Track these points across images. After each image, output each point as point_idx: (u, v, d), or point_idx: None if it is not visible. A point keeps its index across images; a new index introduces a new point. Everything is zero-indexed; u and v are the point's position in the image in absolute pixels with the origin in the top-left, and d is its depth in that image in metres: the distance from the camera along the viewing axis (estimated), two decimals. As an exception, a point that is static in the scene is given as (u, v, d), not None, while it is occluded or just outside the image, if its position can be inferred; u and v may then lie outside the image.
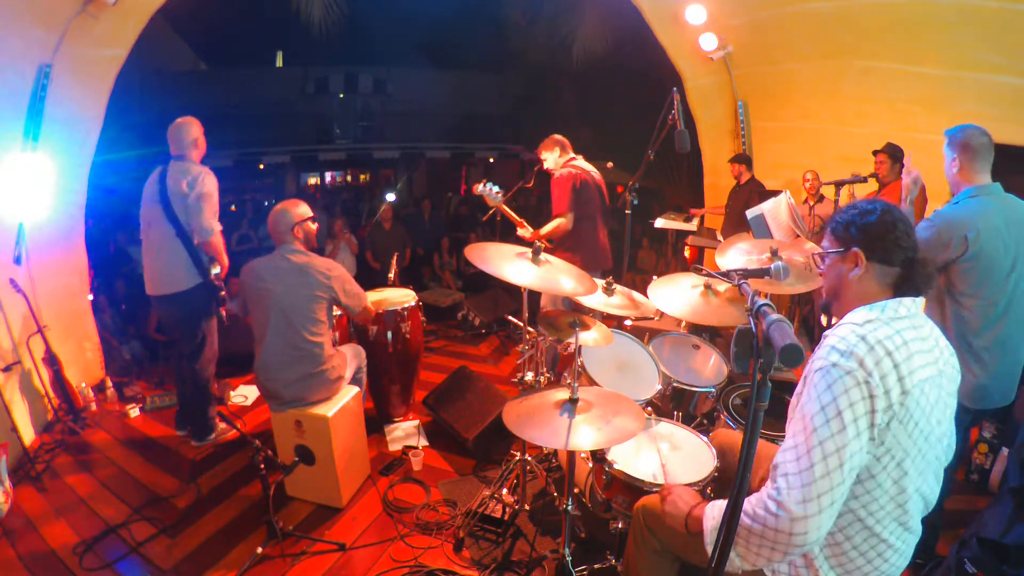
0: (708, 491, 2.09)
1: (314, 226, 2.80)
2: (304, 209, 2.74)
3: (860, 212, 1.35)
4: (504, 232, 4.78)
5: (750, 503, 1.27)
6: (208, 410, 3.31)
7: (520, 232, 3.62)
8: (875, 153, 3.83)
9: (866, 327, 1.25)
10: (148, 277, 3.09)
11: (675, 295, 2.54)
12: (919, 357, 1.25)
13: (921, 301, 1.34)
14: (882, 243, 1.31)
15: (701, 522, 1.40)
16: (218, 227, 3.04)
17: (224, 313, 3.24)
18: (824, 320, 3.91)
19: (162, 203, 2.95)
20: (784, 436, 1.29)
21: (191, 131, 3.04)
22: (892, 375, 1.20)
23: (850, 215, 1.36)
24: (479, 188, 3.31)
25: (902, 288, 1.32)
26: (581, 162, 3.66)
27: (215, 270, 3.10)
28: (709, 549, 1.34)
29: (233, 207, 10.41)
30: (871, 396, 1.18)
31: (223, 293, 3.15)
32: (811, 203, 4.62)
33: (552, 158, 3.66)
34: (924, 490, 1.30)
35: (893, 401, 1.20)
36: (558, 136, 3.70)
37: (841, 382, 1.19)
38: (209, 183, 3.00)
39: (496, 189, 3.28)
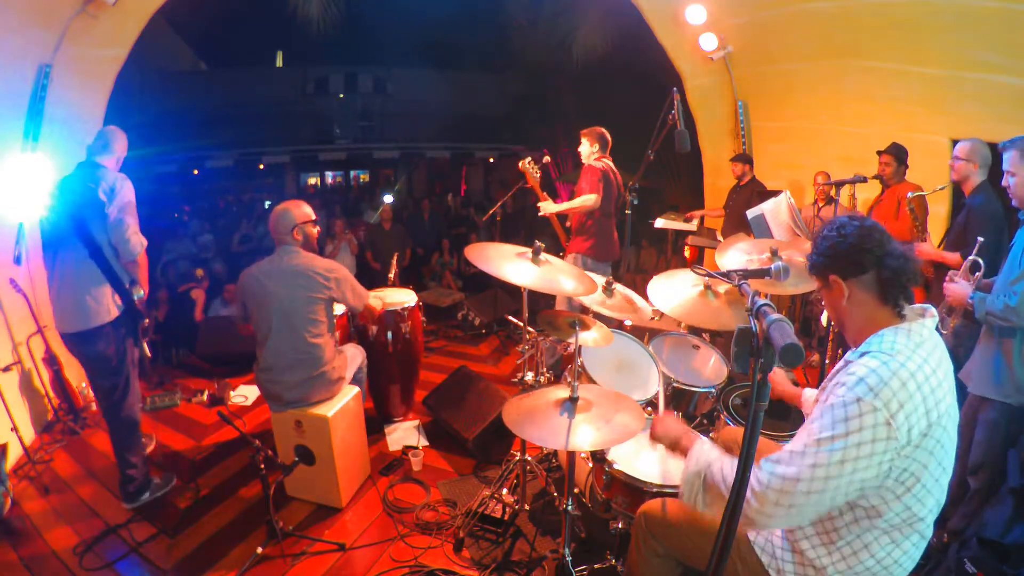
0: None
1: (315, 229, 2.76)
2: (307, 210, 2.71)
3: (819, 242, 1.38)
4: (504, 232, 4.79)
5: (731, 469, 1.32)
6: (140, 460, 2.75)
7: (541, 204, 3.87)
8: (879, 153, 3.73)
9: (898, 358, 1.23)
10: (56, 312, 2.58)
11: (674, 295, 2.53)
12: (946, 383, 1.26)
13: (934, 321, 1.33)
14: (845, 256, 1.33)
15: (686, 453, 1.48)
16: (145, 241, 2.63)
17: (146, 346, 2.81)
18: (825, 320, 3.90)
19: (72, 219, 2.47)
20: (785, 436, 1.29)
21: (109, 137, 2.66)
22: (920, 408, 1.20)
23: (815, 250, 1.39)
24: (523, 164, 3.82)
25: (890, 292, 1.31)
26: (609, 161, 3.85)
27: (138, 294, 2.64)
28: (683, 490, 1.42)
29: (235, 208, 10.41)
30: (888, 438, 1.17)
31: (146, 322, 2.73)
32: (820, 204, 4.58)
33: (588, 148, 3.81)
34: (941, 498, 1.31)
35: (916, 436, 1.19)
36: (603, 130, 3.83)
37: (859, 420, 1.17)
38: (129, 190, 2.57)
39: (537, 166, 3.87)
